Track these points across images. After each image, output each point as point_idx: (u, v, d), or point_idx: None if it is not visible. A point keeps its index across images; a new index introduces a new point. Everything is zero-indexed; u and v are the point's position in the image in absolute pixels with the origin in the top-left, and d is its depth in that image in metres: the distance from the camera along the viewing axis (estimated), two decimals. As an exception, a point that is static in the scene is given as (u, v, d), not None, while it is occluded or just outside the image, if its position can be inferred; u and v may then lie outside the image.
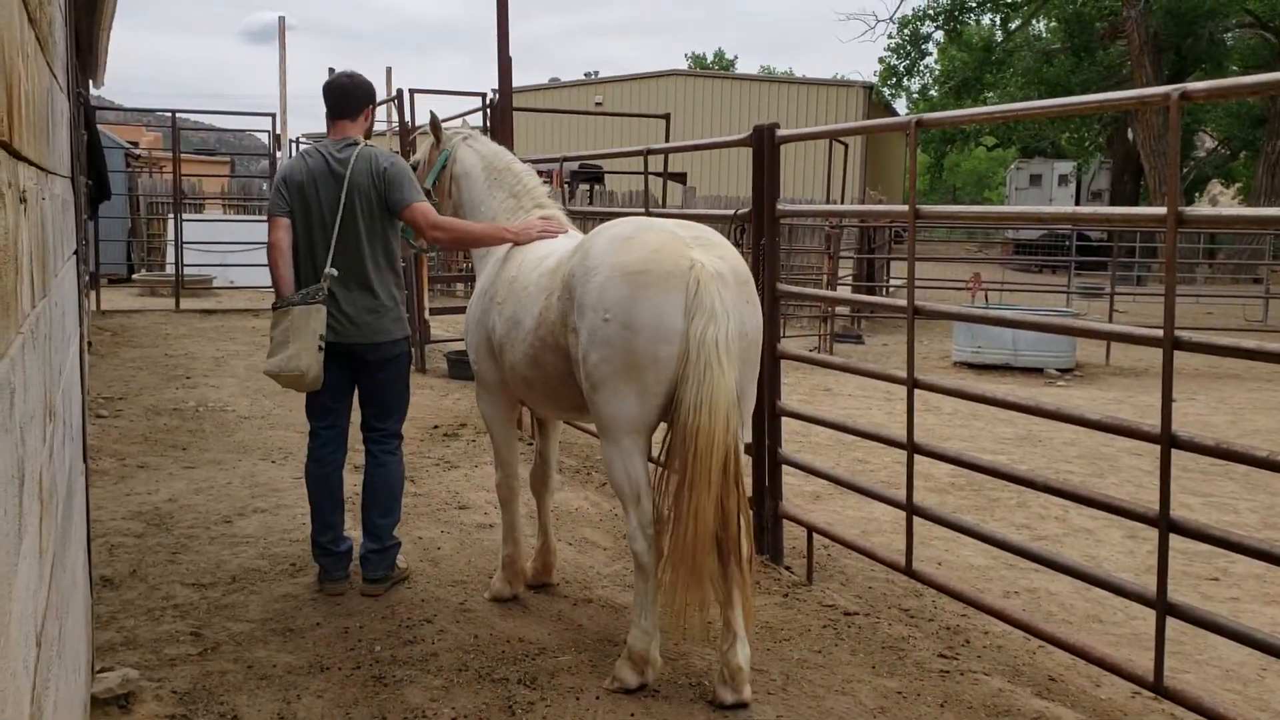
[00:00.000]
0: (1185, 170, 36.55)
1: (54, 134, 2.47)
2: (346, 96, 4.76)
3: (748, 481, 3.84)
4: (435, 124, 5.10)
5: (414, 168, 4.98)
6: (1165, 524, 3.26)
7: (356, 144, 4.67)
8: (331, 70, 13.80)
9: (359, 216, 4.58)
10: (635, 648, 3.77)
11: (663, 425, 3.77)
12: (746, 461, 3.90)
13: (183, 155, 16.78)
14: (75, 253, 3.73)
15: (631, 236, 3.71)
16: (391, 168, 4.61)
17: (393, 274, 4.73)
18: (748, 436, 4.01)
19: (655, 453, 3.87)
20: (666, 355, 3.55)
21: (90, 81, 10.14)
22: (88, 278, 11.15)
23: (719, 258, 3.67)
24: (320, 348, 4.46)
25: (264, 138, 16.72)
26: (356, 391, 4.82)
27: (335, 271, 4.54)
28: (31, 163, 1.74)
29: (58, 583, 1.96)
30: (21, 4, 1.61)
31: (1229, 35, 33.00)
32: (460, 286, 19.13)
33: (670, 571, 3.58)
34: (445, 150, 5.02)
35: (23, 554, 1.34)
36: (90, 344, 10.19)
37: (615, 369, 3.60)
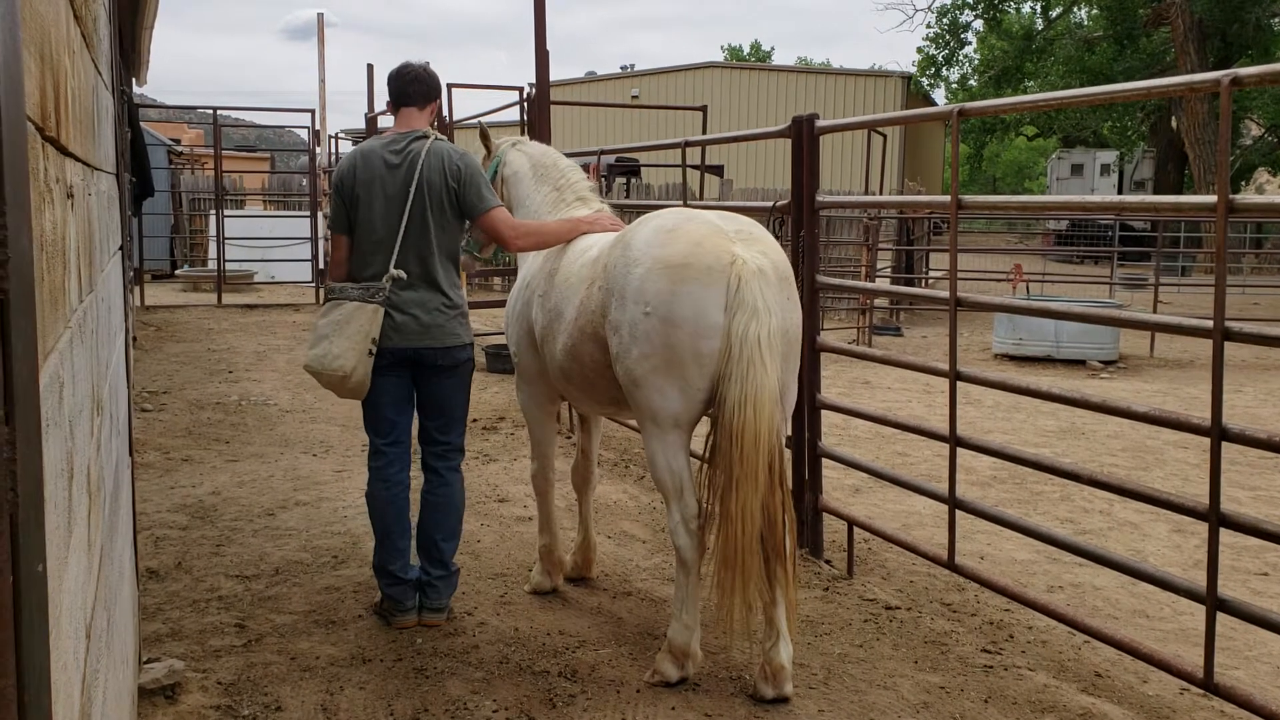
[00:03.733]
0: (1231, 158, 35.92)
1: (99, 130, 2.50)
2: (416, 86, 4.44)
3: (789, 477, 3.80)
4: (485, 135, 5.03)
5: None
6: (1216, 518, 3.21)
7: (426, 137, 4.33)
8: (370, 66, 13.88)
9: (429, 214, 4.24)
10: (676, 641, 3.76)
11: (705, 420, 3.76)
12: (787, 456, 3.87)
13: (224, 152, 16.96)
14: (120, 248, 3.77)
15: (674, 229, 3.67)
16: (466, 168, 4.30)
17: (456, 274, 4.42)
18: (788, 432, 4.01)
19: (696, 448, 3.86)
20: (709, 351, 3.53)
21: (134, 80, 10.26)
22: (132, 273, 11.31)
23: (761, 253, 3.64)
24: (371, 352, 4.14)
25: (303, 134, 16.87)
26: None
27: (403, 274, 4.20)
28: (78, 158, 1.76)
29: (105, 575, 1.99)
30: (68, 1, 1.62)
31: (1276, 20, 32.34)
32: (498, 281, 19.22)
33: (717, 571, 3.55)
34: (497, 157, 4.98)
35: (72, 547, 1.36)
36: (135, 339, 10.33)
37: (657, 364, 3.58)
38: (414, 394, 4.40)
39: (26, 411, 0.81)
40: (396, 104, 4.47)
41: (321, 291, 16.71)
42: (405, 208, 4.21)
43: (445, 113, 11.66)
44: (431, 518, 4.38)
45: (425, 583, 4.35)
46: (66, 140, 1.53)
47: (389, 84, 4.51)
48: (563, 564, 4.78)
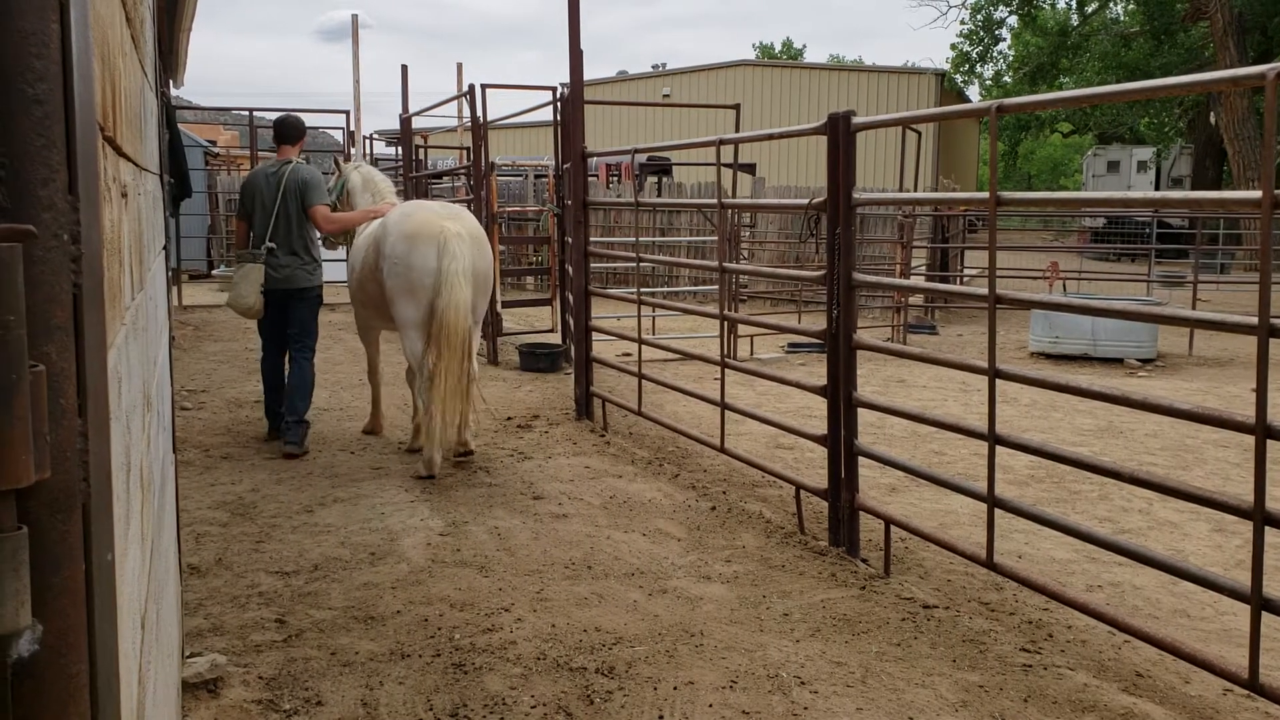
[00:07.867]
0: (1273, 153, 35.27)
1: (146, 131, 2.53)
2: (291, 132, 7.44)
3: (473, 349, 6.32)
4: (337, 163, 8.08)
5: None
6: (1261, 517, 3.17)
7: (291, 162, 7.26)
8: (404, 68, 14.01)
9: (290, 208, 7.15)
10: (428, 456, 6.37)
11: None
12: (477, 337, 6.38)
13: (260, 153, 17.09)
14: (164, 248, 3.82)
15: (409, 214, 6.50)
16: (310, 179, 7.21)
17: (309, 244, 7.28)
18: (479, 332, 6.97)
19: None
20: (431, 282, 6.25)
21: (171, 82, 10.37)
22: (170, 273, 11.42)
23: (461, 225, 6.42)
24: (262, 291, 6.96)
25: (338, 135, 16.98)
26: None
27: (274, 245, 7.09)
28: (129, 158, 1.78)
29: (154, 569, 2.01)
30: (121, 2, 1.64)
31: (1318, 14, 31.77)
32: (531, 280, 19.27)
33: (440, 402, 6.22)
34: (343, 177, 7.75)
35: (129, 539, 1.38)
36: (174, 338, 10.44)
37: (401, 288, 6.33)
38: (286, 316, 7.27)
39: (97, 404, 0.83)
40: (279, 142, 7.44)
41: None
42: (276, 206, 7.12)
43: (479, 113, 11.71)
44: (292, 382, 7.23)
45: (285, 425, 7.08)
46: (120, 140, 1.55)
47: (275, 128, 7.47)
48: (381, 427, 7.72)
